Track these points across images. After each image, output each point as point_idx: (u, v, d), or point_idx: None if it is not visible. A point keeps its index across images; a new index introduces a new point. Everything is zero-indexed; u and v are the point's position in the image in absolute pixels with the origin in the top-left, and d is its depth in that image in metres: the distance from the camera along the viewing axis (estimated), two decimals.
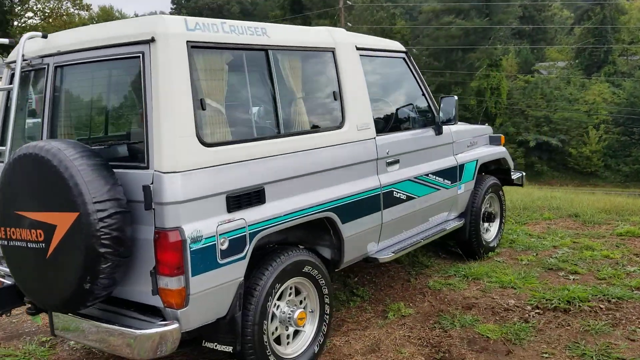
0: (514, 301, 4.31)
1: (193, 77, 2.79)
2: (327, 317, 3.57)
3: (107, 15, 56.26)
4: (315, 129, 3.54)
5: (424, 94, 4.58)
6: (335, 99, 3.70)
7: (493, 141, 5.79)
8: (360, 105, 3.83)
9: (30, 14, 41.64)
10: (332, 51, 3.71)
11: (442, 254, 5.55)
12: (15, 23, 39.70)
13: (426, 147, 4.45)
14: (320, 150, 3.47)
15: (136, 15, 50.18)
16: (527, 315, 4.07)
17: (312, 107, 3.63)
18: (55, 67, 3.17)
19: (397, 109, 4.38)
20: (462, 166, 4.88)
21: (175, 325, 2.70)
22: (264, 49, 3.24)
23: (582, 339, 3.66)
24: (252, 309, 3.07)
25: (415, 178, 4.27)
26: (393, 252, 4.13)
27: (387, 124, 4.23)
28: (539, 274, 4.90)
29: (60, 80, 3.20)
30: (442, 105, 4.49)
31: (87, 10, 44.27)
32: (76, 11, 43.25)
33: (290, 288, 3.38)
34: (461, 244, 5.29)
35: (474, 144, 5.26)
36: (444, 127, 4.68)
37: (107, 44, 2.90)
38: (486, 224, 5.53)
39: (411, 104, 4.47)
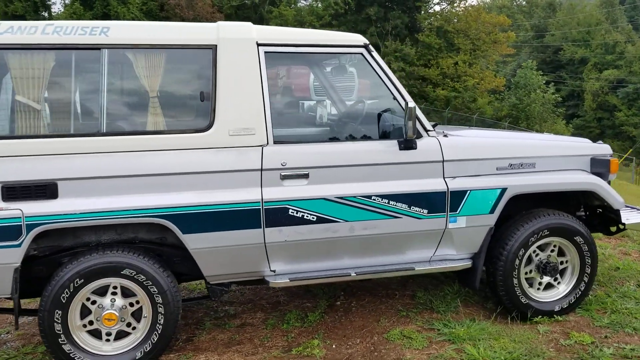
0: None
1: None
2: (160, 327, 3.41)
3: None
4: (160, 130, 3.35)
5: (395, 99, 3.65)
6: (202, 100, 3.40)
7: (597, 166, 4.11)
8: (243, 108, 3.40)
9: None
10: (213, 48, 3.40)
11: (491, 304, 4.30)
12: (422, 12, 41.75)
13: (373, 163, 3.58)
14: (157, 153, 3.29)
15: None
16: None
17: (165, 107, 3.42)
18: None
19: (324, 116, 3.65)
20: (460, 193, 3.70)
21: None
22: (97, 48, 3.26)
23: None
24: (46, 296, 3.24)
25: (340, 198, 3.51)
26: (289, 279, 3.56)
27: (299, 132, 3.60)
28: None
29: None
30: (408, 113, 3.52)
31: None
32: None
33: (115, 288, 3.38)
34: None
35: (521, 166, 3.88)
36: (425, 141, 3.66)
37: None
38: (546, 278, 4.04)
39: (358, 110, 3.64)
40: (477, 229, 3.81)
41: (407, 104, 3.45)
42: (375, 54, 3.64)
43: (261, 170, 3.42)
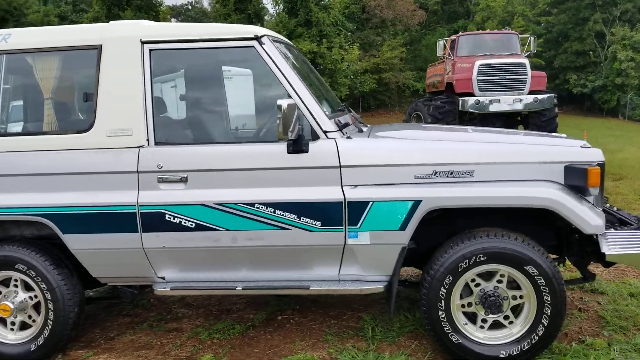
0: None
1: None
2: (51, 322, 3.50)
3: None
4: (46, 131, 3.43)
5: (290, 96, 3.23)
6: (85, 101, 3.39)
7: (571, 177, 3.19)
8: (121, 108, 3.31)
9: None
10: (98, 48, 3.38)
11: None
12: None
13: (256, 167, 3.21)
14: (41, 153, 3.37)
15: None
16: None
17: (57, 109, 3.47)
18: None
19: (213, 116, 3.34)
20: (360, 204, 3.15)
21: None
22: None
23: None
24: None
25: (220, 205, 3.23)
26: (172, 288, 3.40)
27: (182, 133, 3.35)
28: None
29: None
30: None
31: None
32: None
33: (16, 280, 3.55)
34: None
35: (450, 174, 3.16)
36: (320, 143, 3.19)
37: None
38: (491, 316, 3.24)
39: (247, 109, 3.28)
40: (385, 247, 3.21)
41: (286, 99, 3.04)
42: (268, 46, 3.27)
43: (137, 172, 3.31)
